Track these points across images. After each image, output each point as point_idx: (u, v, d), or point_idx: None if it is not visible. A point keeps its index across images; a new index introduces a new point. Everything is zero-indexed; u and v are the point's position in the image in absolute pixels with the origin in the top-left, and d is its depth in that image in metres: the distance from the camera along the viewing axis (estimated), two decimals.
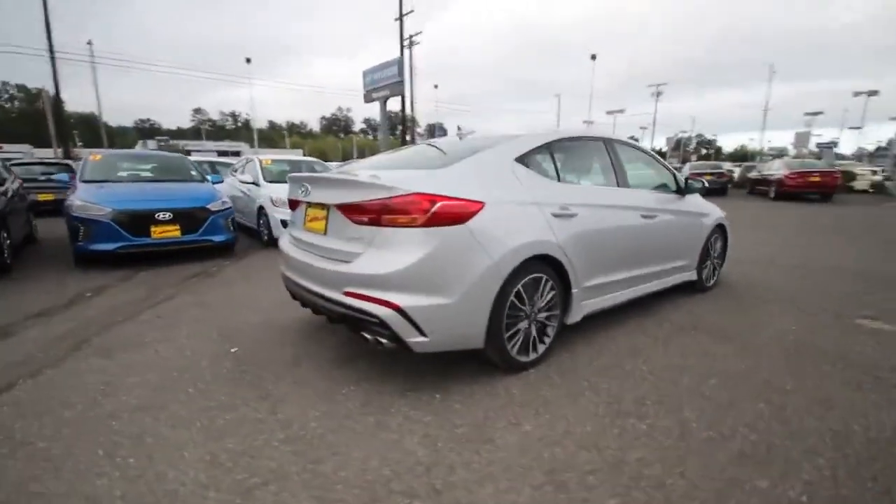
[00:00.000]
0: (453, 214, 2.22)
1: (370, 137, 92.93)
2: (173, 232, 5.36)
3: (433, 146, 3.17)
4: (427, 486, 1.70)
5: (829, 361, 2.78)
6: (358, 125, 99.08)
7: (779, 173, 15.29)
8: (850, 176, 17.65)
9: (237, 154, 39.87)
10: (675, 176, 3.98)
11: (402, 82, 26.17)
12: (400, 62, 26.16)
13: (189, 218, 5.50)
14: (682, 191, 3.95)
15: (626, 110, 40.97)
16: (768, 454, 1.89)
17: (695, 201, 4.13)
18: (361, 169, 2.85)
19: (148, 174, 6.58)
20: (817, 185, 14.66)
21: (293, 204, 3.04)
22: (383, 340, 2.25)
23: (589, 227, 2.87)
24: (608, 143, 3.39)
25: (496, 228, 2.36)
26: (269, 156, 8.18)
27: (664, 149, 49.47)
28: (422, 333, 2.20)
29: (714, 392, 2.42)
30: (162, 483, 1.72)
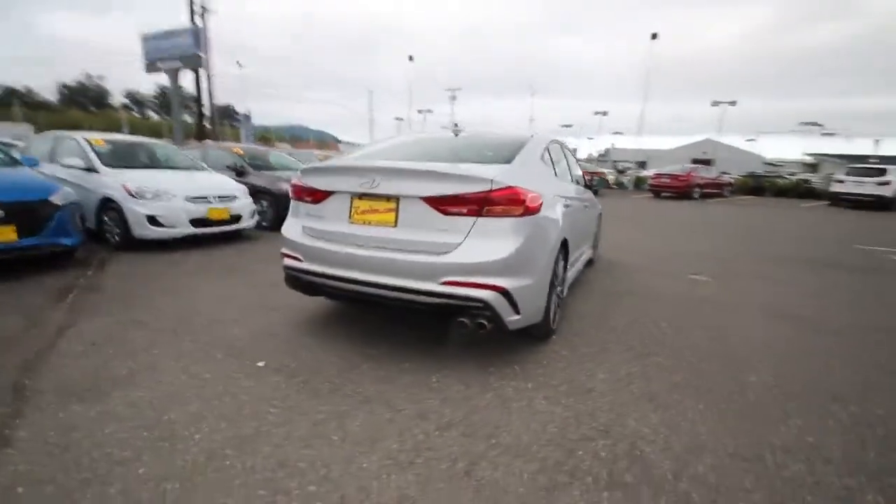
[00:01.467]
0: (535, 206, 2.53)
1: (135, 114, 76.30)
2: (7, 235, 3.85)
3: (443, 138, 3.31)
4: (596, 431, 2.05)
5: (703, 302, 4.13)
6: (118, 98, 79.41)
7: None
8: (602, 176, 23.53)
9: None
10: (581, 173, 5.00)
11: (199, 56, 22.65)
12: (196, 31, 22.52)
13: (28, 215, 4.02)
14: (587, 185, 5.00)
15: (433, 111, 44.50)
16: (737, 357, 2.86)
17: (590, 194, 5.27)
18: (396, 160, 2.81)
19: None
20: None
21: (317, 195, 2.77)
22: (485, 322, 2.41)
23: (573, 214, 3.51)
24: (562, 146, 4.11)
25: (550, 217, 2.77)
26: (96, 135, 6.34)
27: None
28: (517, 312, 2.47)
29: (671, 329, 3.37)
30: (374, 494, 1.60)
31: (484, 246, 2.38)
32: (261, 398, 2.20)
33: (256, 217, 6.62)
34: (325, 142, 74.49)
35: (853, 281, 5.34)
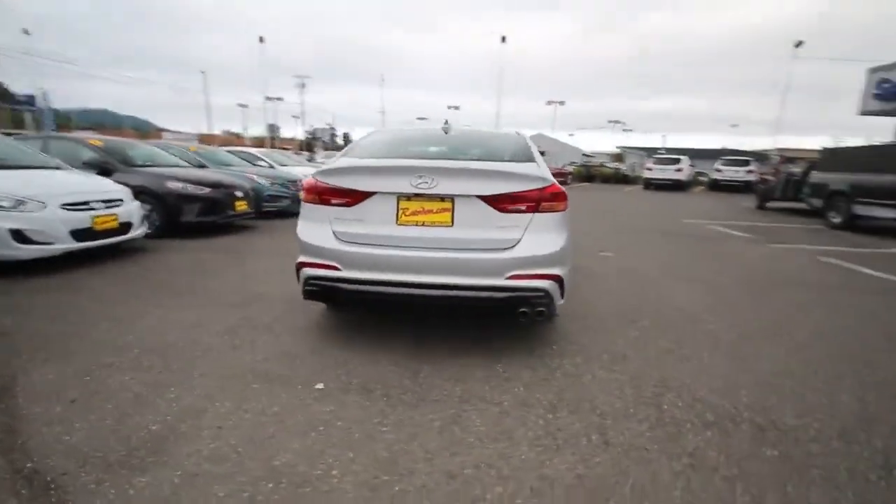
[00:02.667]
0: (567, 200, 2.78)
1: None
2: None
3: (439, 135, 3.33)
4: (659, 387, 2.43)
5: (627, 273, 4.98)
6: None
7: None
8: None
9: None
10: None
11: None
12: None
13: None
14: None
15: (284, 98, 41.15)
16: (693, 313, 3.60)
17: None
18: (413, 159, 2.76)
19: None
20: None
21: (352, 197, 2.57)
22: (543, 309, 2.60)
23: None
24: None
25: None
26: None
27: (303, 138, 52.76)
28: (562, 296, 2.71)
29: (630, 297, 4.03)
30: (556, 479, 1.70)
31: (542, 240, 2.56)
32: (359, 420, 2.03)
33: (146, 224, 5.52)
34: (143, 130, 62.86)
35: (703, 246, 6.97)
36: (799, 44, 23.21)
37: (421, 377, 2.46)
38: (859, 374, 2.65)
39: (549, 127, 42.25)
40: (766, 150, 29.43)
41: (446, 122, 3.53)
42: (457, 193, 2.52)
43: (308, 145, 49.86)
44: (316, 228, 2.68)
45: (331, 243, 2.59)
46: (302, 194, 2.80)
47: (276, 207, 8.72)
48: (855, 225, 9.14)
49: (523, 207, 2.54)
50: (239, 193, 7.07)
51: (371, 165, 2.65)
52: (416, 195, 2.53)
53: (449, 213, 2.53)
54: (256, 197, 7.77)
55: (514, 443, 1.91)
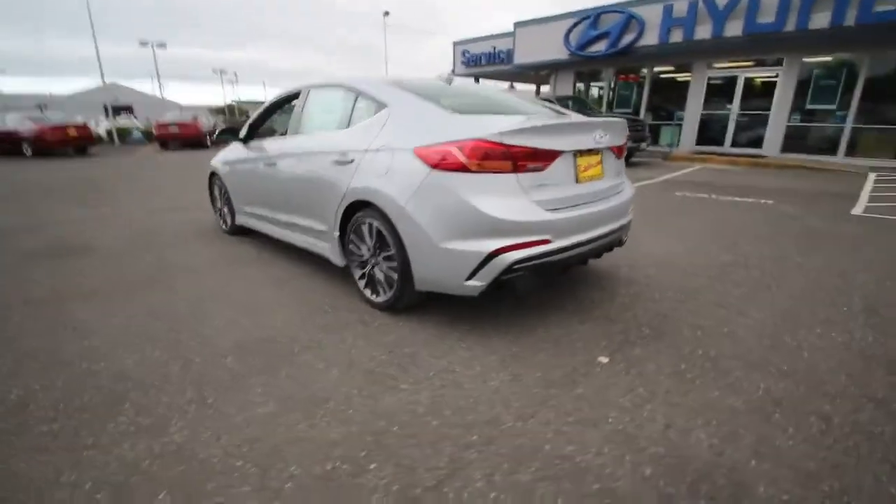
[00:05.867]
0: None
1: None
2: None
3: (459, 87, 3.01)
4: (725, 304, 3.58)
5: None
6: None
7: (29, 127, 13.46)
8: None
9: None
10: None
11: None
12: None
13: None
14: None
15: None
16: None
17: None
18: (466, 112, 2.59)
19: None
20: (75, 140, 14.41)
21: (546, 160, 2.22)
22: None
23: None
24: None
25: None
26: None
27: None
28: None
29: None
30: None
31: (628, 181, 3.08)
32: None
33: None
34: None
35: None
36: (386, 13, 28.29)
37: (621, 333, 2.50)
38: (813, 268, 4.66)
39: (149, 76, 34.19)
40: None
41: (450, 74, 3.16)
42: (604, 146, 2.64)
43: None
44: (507, 201, 2.16)
45: (539, 215, 2.20)
46: (464, 160, 2.10)
47: None
48: None
49: (622, 155, 2.95)
50: None
51: (555, 123, 2.32)
52: (588, 151, 2.49)
53: (600, 166, 2.64)
54: None
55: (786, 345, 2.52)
